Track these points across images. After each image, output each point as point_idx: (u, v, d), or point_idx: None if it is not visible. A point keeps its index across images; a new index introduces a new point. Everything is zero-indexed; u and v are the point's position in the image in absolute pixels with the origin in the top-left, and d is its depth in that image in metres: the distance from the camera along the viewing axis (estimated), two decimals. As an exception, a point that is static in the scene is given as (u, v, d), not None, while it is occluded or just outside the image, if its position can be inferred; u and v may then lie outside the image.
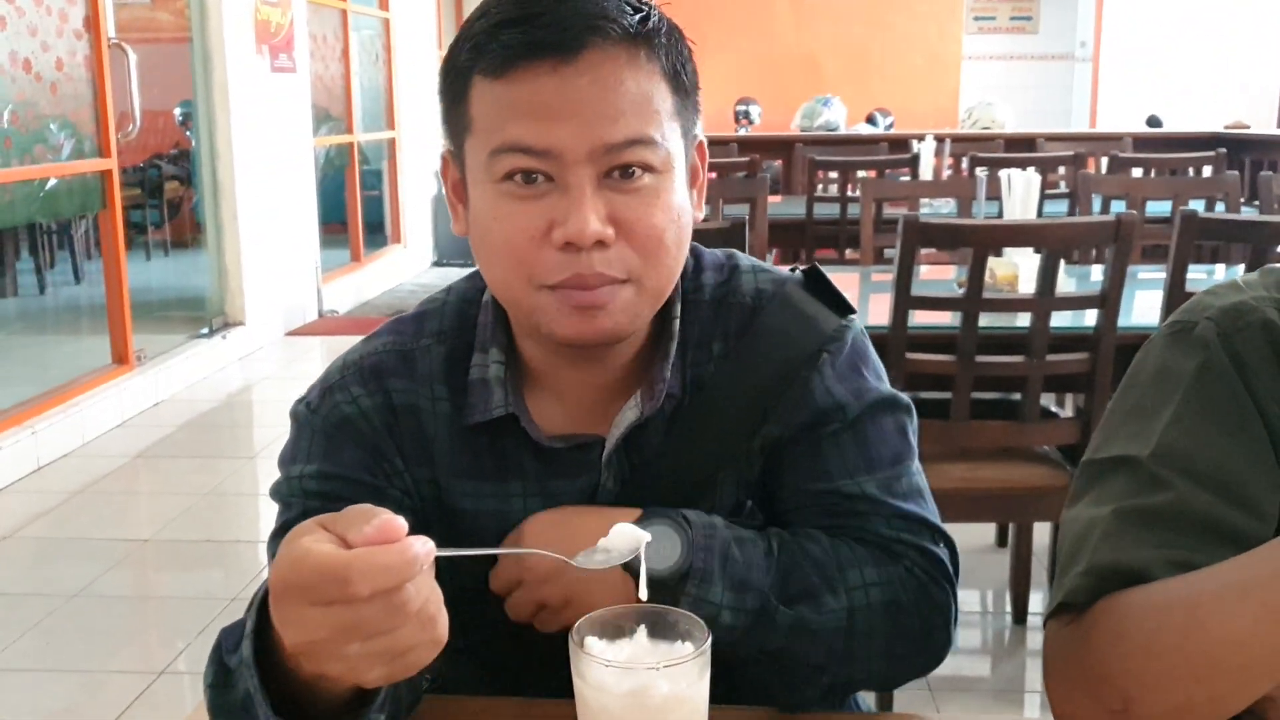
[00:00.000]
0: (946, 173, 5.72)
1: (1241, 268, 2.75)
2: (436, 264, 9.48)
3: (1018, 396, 2.43)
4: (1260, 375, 0.83)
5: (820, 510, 0.96)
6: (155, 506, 3.90)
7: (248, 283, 6.05)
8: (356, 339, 1.04)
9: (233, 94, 5.89)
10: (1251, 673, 0.72)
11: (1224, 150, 5.01)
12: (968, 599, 2.99)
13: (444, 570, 0.68)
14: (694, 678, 0.73)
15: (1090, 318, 2.39)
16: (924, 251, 2.90)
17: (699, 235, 0.98)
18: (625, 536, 0.79)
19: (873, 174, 4.93)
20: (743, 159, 4.92)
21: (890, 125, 9.07)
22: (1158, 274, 2.64)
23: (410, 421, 0.97)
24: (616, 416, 0.96)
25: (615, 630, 0.75)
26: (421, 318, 1.02)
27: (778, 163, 7.06)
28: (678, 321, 0.97)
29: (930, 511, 0.98)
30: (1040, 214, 3.54)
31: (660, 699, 0.71)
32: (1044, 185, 3.88)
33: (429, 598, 0.66)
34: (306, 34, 6.97)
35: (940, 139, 5.54)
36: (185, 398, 5.17)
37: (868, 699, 1.14)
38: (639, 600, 0.79)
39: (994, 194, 3.17)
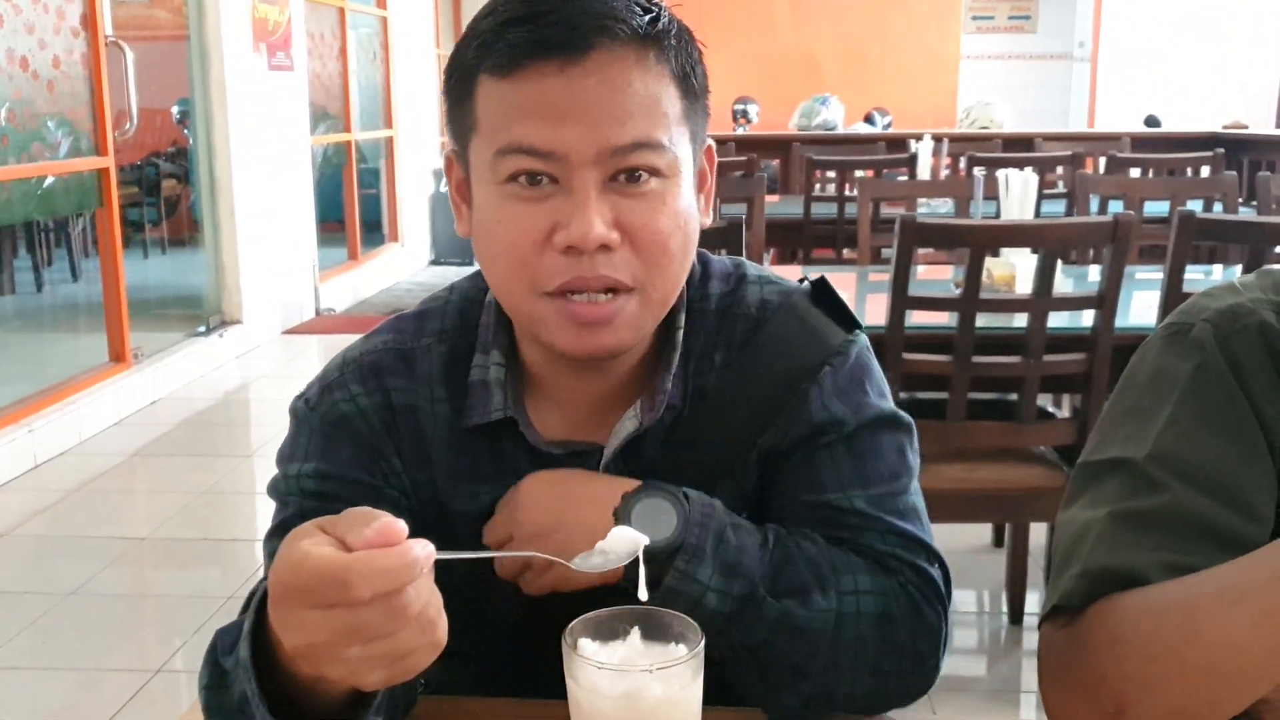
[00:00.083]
0: (944, 172, 5.72)
1: (1239, 268, 2.75)
2: (434, 263, 9.48)
3: (1014, 397, 2.43)
4: (1256, 378, 0.83)
5: (813, 522, 0.95)
6: (152, 505, 3.90)
7: (245, 281, 6.05)
8: (354, 338, 1.03)
9: (230, 92, 5.88)
10: (1248, 676, 0.72)
11: (1222, 150, 5.01)
12: (964, 599, 2.99)
13: (440, 573, 0.68)
14: (687, 680, 0.73)
15: (1087, 318, 2.39)
16: (921, 251, 2.89)
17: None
18: (623, 539, 0.79)
19: (870, 173, 4.93)
20: (740, 158, 4.91)
21: (888, 125, 9.07)
22: (1155, 274, 2.64)
23: (408, 421, 0.96)
24: (616, 426, 0.95)
25: (608, 632, 0.75)
26: (423, 316, 1.01)
27: (775, 162, 7.05)
28: (681, 332, 0.96)
29: (926, 533, 0.96)
30: (1038, 214, 3.54)
31: (653, 701, 0.71)
32: (1042, 185, 3.88)
33: (429, 601, 0.66)
34: (304, 32, 6.96)
35: (938, 139, 5.55)
36: (182, 396, 5.16)
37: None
38: (632, 590, 0.78)
39: (991, 194, 3.17)
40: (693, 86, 0.89)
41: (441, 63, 10.22)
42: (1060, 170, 5.06)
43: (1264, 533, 0.81)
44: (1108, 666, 0.77)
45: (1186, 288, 2.35)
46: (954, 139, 6.27)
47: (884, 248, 3.92)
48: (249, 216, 6.08)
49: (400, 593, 0.63)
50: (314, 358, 5.96)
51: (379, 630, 0.64)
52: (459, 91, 0.89)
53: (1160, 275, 2.42)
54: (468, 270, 1.05)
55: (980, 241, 2.31)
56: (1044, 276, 2.28)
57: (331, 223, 7.88)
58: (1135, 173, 4.83)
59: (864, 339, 1.00)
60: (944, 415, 2.36)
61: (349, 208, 8.03)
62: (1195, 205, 3.84)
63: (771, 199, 5.27)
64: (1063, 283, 2.84)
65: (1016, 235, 2.47)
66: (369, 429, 0.96)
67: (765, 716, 0.92)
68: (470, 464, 0.96)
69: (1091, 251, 3.74)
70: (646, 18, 0.86)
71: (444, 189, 9.29)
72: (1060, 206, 4.69)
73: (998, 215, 2.97)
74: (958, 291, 2.36)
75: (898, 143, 6.40)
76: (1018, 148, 6.34)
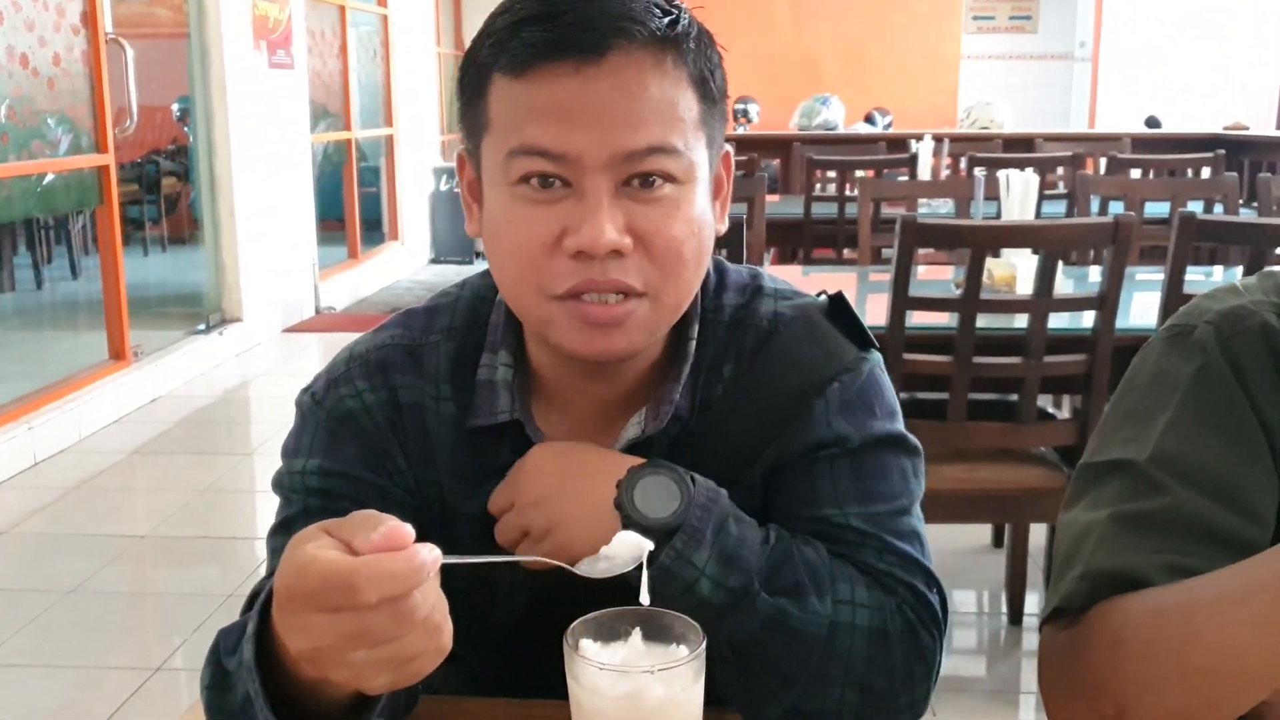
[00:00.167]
0: (945, 173, 5.72)
1: (1240, 270, 2.75)
2: (434, 261, 9.47)
3: (1015, 398, 2.43)
4: (1258, 379, 0.83)
5: (811, 537, 0.92)
6: (152, 502, 3.90)
7: (245, 279, 6.05)
8: (353, 336, 1.02)
9: (230, 90, 5.88)
10: (1249, 679, 0.72)
11: (1223, 151, 5.01)
12: (964, 599, 3.00)
13: (444, 576, 0.68)
14: (689, 681, 0.72)
15: (1088, 319, 2.39)
16: (922, 252, 2.90)
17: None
18: (627, 544, 0.79)
19: (871, 173, 4.93)
20: (741, 158, 4.91)
21: (889, 125, 9.07)
22: (1156, 275, 2.65)
23: (414, 419, 0.95)
24: (619, 432, 0.94)
25: (610, 633, 0.75)
26: (433, 312, 0.99)
27: (776, 162, 7.06)
28: (694, 343, 0.94)
29: (925, 557, 0.94)
30: (1038, 215, 3.54)
31: (655, 702, 0.71)
32: (1042, 186, 3.88)
33: (435, 605, 0.66)
34: (304, 30, 6.96)
35: (939, 139, 5.55)
36: (182, 394, 5.16)
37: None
38: (635, 585, 0.78)
39: (992, 194, 3.17)
40: (711, 91, 0.87)
41: (442, 61, 10.23)
42: (1061, 171, 5.05)
43: (1265, 534, 0.81)
44: (1109, 668, 0.77)
45: (1187, 289, 2.35)
46: (954, 139, 6.27)
47: (884, 248, 3.91)
48: (249, 214, 6.08)
49: (407, 597, 0.63)
50: (314, 356, 5.96)
51: (385, 634, 0.64)
52: (472, 90, 0.88)
53: (1161, 276, 2.42)
54: (468, 269, 1.04)
55: (981, 242, 2.31)
56: (1044, 277, 2.28)
57: (331, 221, 7.88)
58: (1136, 173, 4.82)
59: (878, 358, 0.98)
60: (944, 416, 2.36)
61: (349, 206, 8.03)
62: (1196, 206, 3.84)
63: (772, 199, 5.27)
64: (1063, 283, 2.84)
65: (1017, 236, 2.47)
66: (374, 426, 0.95)
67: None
68: (474, 464, 0.95)
69: (1092, 252, 3.74)
70: (666, 20, 0.84)
71: (444, 187, 9.31)
72: (1061, 207, 4.69)
73: (998, 216, 2.98)
74: (958, 292, 2.36)
75: (898, 143, 6.40)
76: (1018, 148, 6.35)
